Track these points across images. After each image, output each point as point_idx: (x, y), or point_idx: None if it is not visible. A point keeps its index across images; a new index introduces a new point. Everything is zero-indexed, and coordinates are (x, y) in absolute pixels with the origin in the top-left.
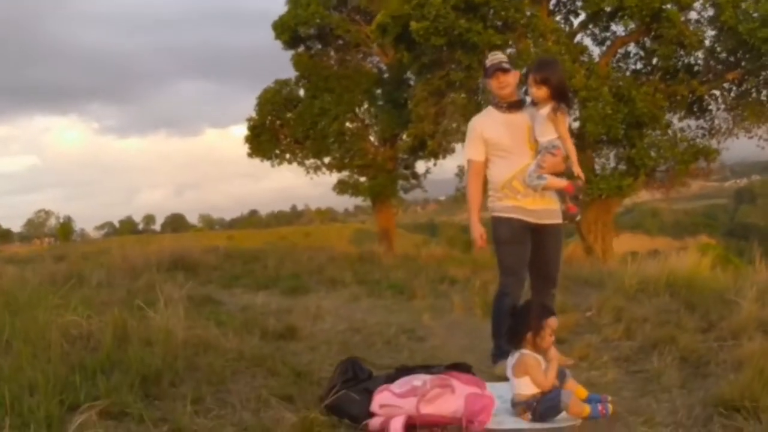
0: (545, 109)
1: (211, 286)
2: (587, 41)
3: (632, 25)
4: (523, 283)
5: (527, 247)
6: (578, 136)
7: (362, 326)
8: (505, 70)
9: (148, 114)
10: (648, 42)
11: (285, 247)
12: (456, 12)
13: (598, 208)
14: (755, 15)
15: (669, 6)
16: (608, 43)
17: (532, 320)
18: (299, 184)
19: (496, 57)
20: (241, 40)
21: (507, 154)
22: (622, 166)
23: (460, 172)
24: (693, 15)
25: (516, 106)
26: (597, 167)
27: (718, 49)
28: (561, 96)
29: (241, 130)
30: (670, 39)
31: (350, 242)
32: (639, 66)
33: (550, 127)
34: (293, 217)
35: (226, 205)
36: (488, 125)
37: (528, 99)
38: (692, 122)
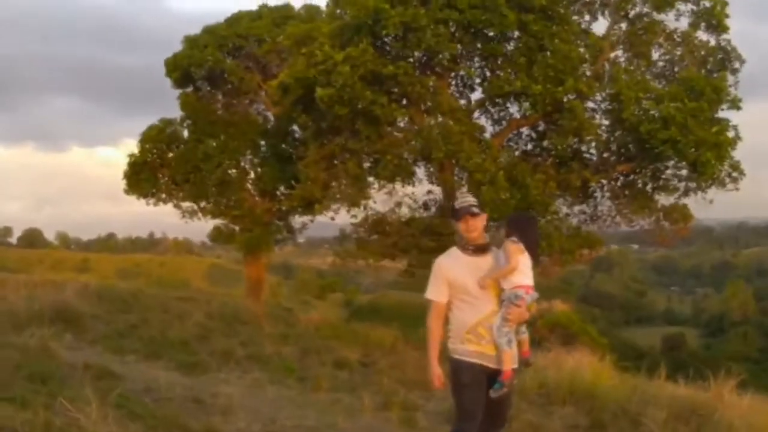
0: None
1: (99, 347)
2: (483, 119)
3: (533, 111)
4: (478, 425)
5: (485, 392)
6: None
7: (277, 429)
8: (474, 214)
9: (16, 124)
10: (542, 126)
11: (153, 292)
12: (362, 83)
13: None
14: (655, 114)
15: (572, 97)
16: (503, 123)
17: None
18: (159, 210)
19: (465, 200)
20: (118, 62)
21: (472, 299)
22: None
23: (341, 236)
24: (588, 104)
25: (482, 249)
26: None
27: (612, 140)
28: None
29: (107, 151)
30: (568, 130)
31: (205, 277)
32: (530, 146)
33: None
34: (150, 244)
35: (85, 224)
36: (454, 267)
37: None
38: (575, 207)
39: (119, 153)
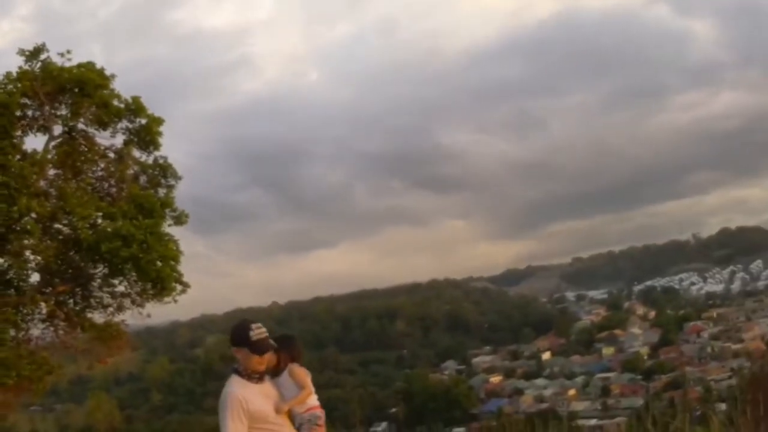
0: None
1: None
2: None
3: None
4: None
5: None
6: None
7: None
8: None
9: None
10: None
11: None
12: None
13: None
14: (112, 231)
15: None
16: None
17: None
18: None
19: (262, 331)
20: None
21: (273, 426)
22: None
23: None
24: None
25: (263, 376)
26: None
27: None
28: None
29: None
30: (19, 252)
31: None
32: None
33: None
34: None
35: None
36: (251, 398)
37: None
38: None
39: None
